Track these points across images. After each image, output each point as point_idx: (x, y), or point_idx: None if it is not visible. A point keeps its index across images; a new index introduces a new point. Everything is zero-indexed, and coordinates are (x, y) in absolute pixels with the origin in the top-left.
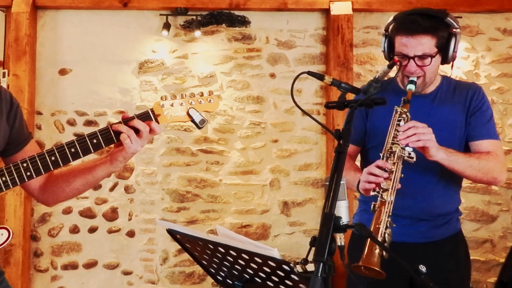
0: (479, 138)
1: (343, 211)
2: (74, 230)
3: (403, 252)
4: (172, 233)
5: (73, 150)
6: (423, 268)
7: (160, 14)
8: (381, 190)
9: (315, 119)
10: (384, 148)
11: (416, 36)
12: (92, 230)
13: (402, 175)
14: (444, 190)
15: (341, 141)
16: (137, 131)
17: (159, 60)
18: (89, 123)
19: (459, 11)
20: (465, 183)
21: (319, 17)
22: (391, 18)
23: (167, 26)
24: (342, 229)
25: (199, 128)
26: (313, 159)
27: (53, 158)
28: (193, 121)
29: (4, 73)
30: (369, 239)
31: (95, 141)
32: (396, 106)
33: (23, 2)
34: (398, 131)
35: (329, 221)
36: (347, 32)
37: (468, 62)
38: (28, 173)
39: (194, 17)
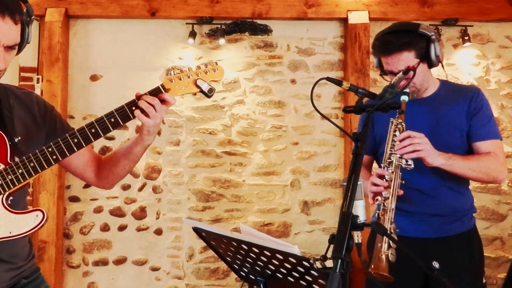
0: (480, 139)
1: (360, 210)
2: (105, 228)
3: (416, 247)
4: (197, 231)
5: (93, 130)
6: (436, 264)
7: (186, 23)
8: (383, 198)
9: (333, 123)
10: (383, 158)
11: (394, 55)
12: (122, 228)
13: (403, 182)
14: (451, 187)
15: (358, 144)
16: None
17: (185, 66)
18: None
19: (470, 20)
20: (475, 183)
21: (337, 26)
22: (374, 39)
23: (193, 34)
24: (359, 227)
25: (208, 97)
26: (332, 160)
27: (75, 140)
28: (202, 91)
29: (38, 79)
30: (377, 244)
31: (112, 120)
32: (391, 118)
33: (56, 11)
34: (395, 141)
35: (347, 219)
36: (364, 40)
37: (479, 69)
38: (54, 157)
39: (219, 26)
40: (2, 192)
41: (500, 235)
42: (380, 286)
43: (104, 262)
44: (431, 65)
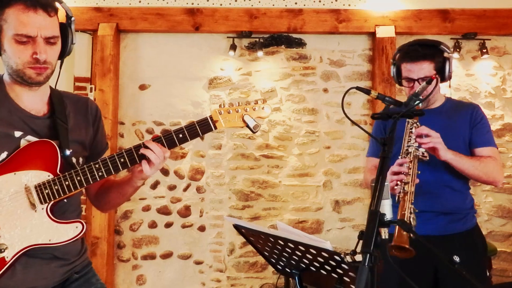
0: (481, 145)
1: (387, 208)
2: (153, 225)
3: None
4: (238, 228)
5: (141, 152)
6: (457, 258)
7: (228, 37)
8: (403, 184)
9: (362, 129)
10: (401, 151)
11: (418, 62)
12: (168, 225)
13: (419, 172)
14: (455, 189)
15: (385, 148)
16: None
17: (226, 77)
18: (165, 131)
19: (488, 34)
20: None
21: (366, 40)
22: (396, 50)
23: (233, 47)
24: (386, 225)
25: (253, 132)
26: (361, 163)
27: (122, 160)
28: (248, 126)
29: (91, 88)
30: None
31: (169, 138)
32: (407, 118)
33: (108, 26)
34: (411, 137)
35: (375, 217)
36: (391, 53)
37: (496, 79)
38: (100, 173)
39: (257, 40)
40: (48, 201)
41: None
42: (395, 273)
43: (152, 256)
44: (443, 79)
